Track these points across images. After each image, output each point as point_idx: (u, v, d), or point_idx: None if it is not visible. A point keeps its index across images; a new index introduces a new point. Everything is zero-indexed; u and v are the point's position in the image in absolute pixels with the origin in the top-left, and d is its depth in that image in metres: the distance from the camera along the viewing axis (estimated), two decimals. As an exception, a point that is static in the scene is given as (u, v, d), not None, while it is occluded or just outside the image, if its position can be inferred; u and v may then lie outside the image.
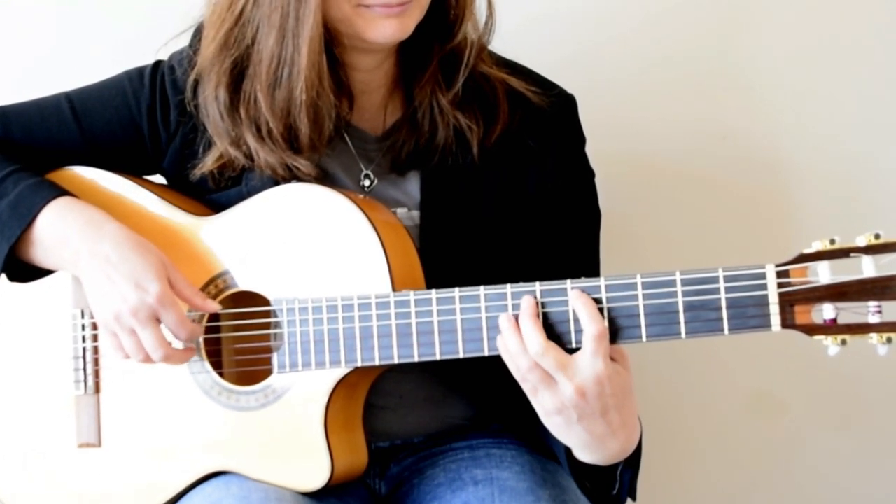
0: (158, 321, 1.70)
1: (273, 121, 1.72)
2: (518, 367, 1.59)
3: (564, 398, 1.56)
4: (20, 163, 1.81)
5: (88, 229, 1.73)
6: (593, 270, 1.85)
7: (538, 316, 1.59)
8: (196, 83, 1.79)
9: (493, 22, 1.79)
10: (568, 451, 1.66)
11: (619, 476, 1.70)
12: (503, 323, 1.60)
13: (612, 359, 1.58)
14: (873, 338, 1.52)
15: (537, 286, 1.61)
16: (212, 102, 1.76)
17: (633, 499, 1.75)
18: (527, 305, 1.59)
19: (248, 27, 1.71)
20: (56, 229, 1.74)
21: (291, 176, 1.76)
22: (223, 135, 1.77)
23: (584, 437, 1.60)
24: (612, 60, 2.23)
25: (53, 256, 1.76)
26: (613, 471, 1.69)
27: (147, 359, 1.71)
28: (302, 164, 1.75)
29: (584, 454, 1.64)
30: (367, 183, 1.83)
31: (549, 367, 1.56)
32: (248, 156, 1.76)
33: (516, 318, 1.59)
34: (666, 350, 2.21)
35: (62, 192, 1.77)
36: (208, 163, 1.79)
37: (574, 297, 1.58)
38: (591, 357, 1.56)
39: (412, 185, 1.82)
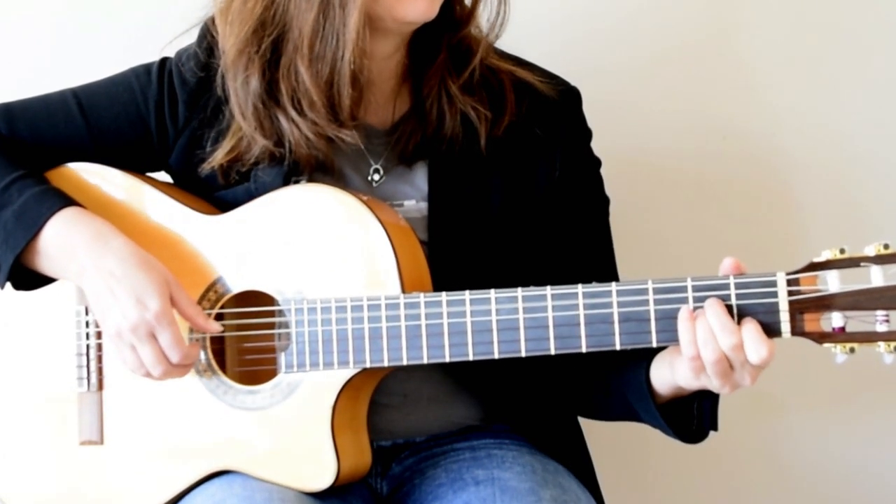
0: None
1: (316, 92, 1.72)
2: (708, 359, 1.59)
3: (735, 381, 1.62)
4: (25, 166, 1.79)
5: (94, 243, 1.72)
6: (607, 258, 1.87)
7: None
8: (223, 75, 1.78)
9: (504, 14, 1.79)
10: (652, 393, 1.70)
11: (697, 410, 1.72)
12: (683, 314, 1.60)
13: None
14: (881, 346, 1.54)
15: (548, 290, 1.63)
16: (242, 88, 1.75)
17: (716, 429, 1.75)
18: (716, 304, 1.59)
19: (281, 6, 1.71)
20: (62, 241, 1.74)
21: (327, 149, 1.76)
22: (251, 120, 1.76)
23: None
24: (612, 59, 2.24)
25: (58, 268, 1.75)
26: (691, 408, 1.72)
27: (148, 374, 1.72)
28: (346, 134, 1.75)
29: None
30: (376, 177, 1.83)
31: (737, 362, 1.59)
32: (278, 141, 1.76)
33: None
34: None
35: (67, 201, 1.76)
36: (218, 157, 1.79)
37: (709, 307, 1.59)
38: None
39: (420, 178, 1.83)
